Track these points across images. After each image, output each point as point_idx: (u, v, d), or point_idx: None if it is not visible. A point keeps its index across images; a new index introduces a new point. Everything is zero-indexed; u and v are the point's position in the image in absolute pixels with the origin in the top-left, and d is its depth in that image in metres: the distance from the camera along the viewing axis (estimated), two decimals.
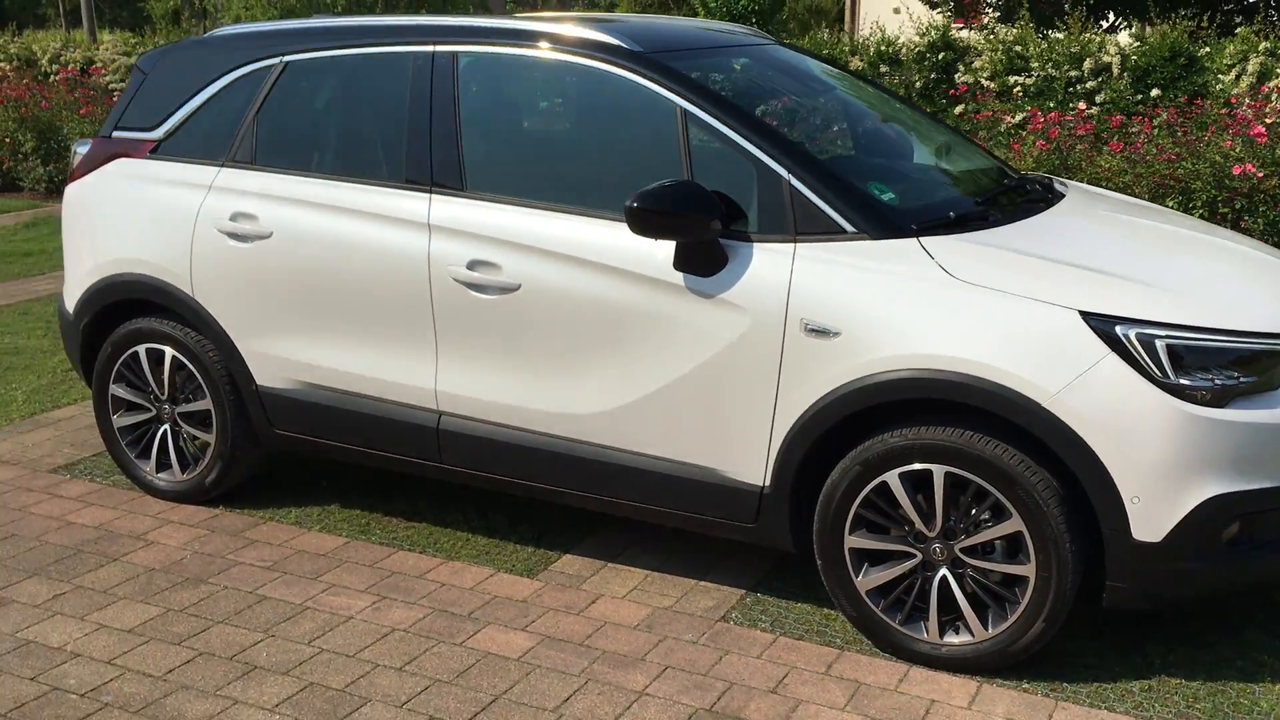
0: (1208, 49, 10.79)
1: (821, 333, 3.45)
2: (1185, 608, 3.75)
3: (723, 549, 4.25)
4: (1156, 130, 8.83)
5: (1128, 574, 3.28)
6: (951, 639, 3.50)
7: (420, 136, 4.07)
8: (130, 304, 4.66)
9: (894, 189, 3.83)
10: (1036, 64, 10.78)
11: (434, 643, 3.68)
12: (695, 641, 3.70)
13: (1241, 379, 3.22)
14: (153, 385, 4.65)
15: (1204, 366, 3.21)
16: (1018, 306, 3.29)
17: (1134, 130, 9.09)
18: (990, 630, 3.44)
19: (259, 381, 4.40)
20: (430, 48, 4.12)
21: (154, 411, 4.70)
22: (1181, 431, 3.16)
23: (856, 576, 3.58)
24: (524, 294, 3.85)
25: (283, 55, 4.38)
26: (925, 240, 3.46)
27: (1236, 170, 7.85)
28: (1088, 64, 10.70)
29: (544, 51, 4.01)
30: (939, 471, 3.39)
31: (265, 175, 4.33)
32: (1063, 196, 4.15)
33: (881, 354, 3.38)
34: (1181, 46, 10.77)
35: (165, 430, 4.69)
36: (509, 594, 4.00)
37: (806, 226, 3.54)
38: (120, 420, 4.77)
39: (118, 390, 4.73)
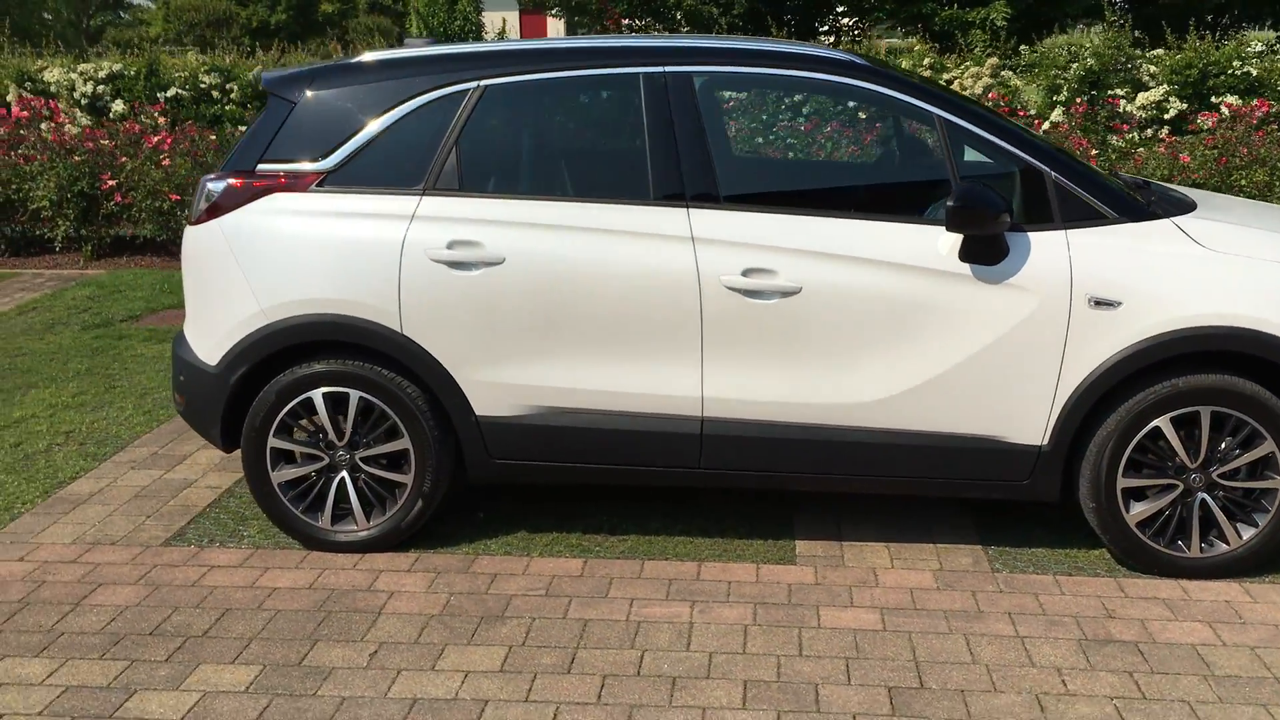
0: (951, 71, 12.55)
1: (1107, 304, 4.03)
2: None
3: (926, 512, 4.71)
4: None
5: None
6: (1210, 551, 4.20)
7: (666, 154, 4.19)
8: (297, 349, 4.35)
9: None
10: None
11: (796, 629, 3.87)
12: (1001, 591, 4.15)
13: None
14: (329, 431, 4.37)
15: None
16: (1269, 269, 4.04)
17: None
18: (1243, 538, 4.17)
19: (479, 412, 4.30)
20: (660, 68, 4.25)
21: (327, 460, 4.42)
22: None
23: (1126, 513, 4.18)
24: (806, 295, 4.11)
25: (478, 79, 4.30)
26: (1177, 220, 4.14)
27: None
28: None
29: (781, 69, 4.27)
30: (1205, 411, 4.07)
31: (482, 201, 4.24)
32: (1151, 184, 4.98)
33: (1163, 317, 4.01)
34: (937, 63, 12.46)
35: (342, 478, 4.42)
36: (794, 580, 4.23)
37: (1072, 215, 4.10)
38: (280, 475, 4.42)
39: (279, 443, 4.39)
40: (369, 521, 4.44)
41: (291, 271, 4.28)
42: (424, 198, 4.25)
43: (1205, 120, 11.92)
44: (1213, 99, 12.54)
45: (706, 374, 4.21)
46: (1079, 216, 4.11)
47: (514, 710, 3.42)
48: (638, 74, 4.27)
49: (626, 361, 4.22)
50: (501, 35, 15.06)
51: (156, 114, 11.93)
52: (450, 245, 4.21)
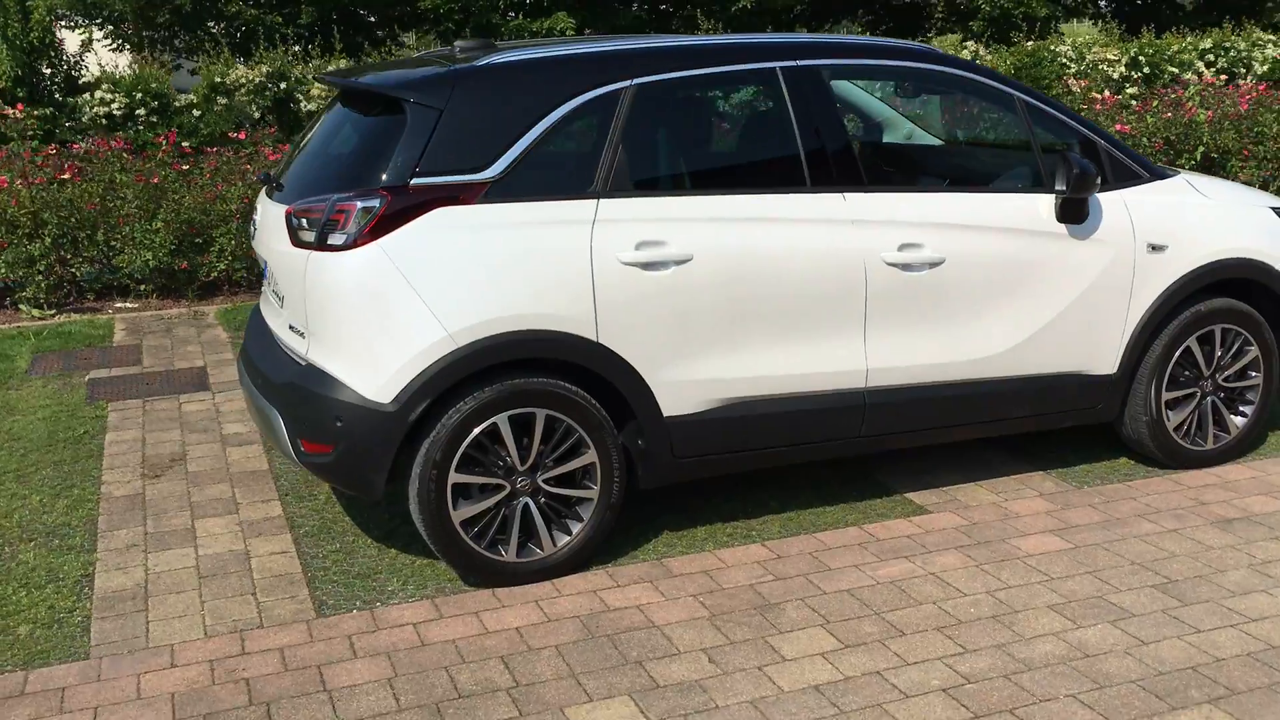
0: None
1: (1159, 248, 4.86)
2: None
3: (966, 452, 5.33)
4: None
5: None
6: (1218, 443, 5.19)
7: (815, 142, 4.41)
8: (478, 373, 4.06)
9: None
10: None
11: (1017, 560, 4.32)
12: (1109, 500, 4.87)
13: None
14: (513, 457, 4.13)
15: None
16: (1253, 211, 5.09)
17: None
18: (1240, 427, 5.22)
19: (667, 413, 4.28)
20: (793, 61, 4.45)
21: (509, 488, 4.16)
22: None
23: (1169, 423, 5.07)
24: (949, 265, 4.54)
25: (630, 78, 4.23)
26: (1186, 177, 5.06)
27: None
28: None
29: (890, 60, 4.66)
30: (1218, 329, 5.05)
31: (658, 199, 4.21)
32: None
33: (1196, 255, 4.92)
34: None
35: (525, 504, 4.19)
36: (952, 524, 4.66)
37: (1121, 177, 4.89)
38: (461, 514, 4.10)
39: (461, 477, 4.08)
40: (555, 545, 4.24)
41: (480, 290, 3.98)
42: (601, 201, 4.14)
43: None
44: None
45: (869, 346, 4.50)
46: (1125, 178, 4.90)
47: (912, 674, 3.58)
48: (775, 68, 4.44)
49: (802, 344, 4.40)
50: (87, 48, 13.41)
51: None
52: (639, 246, 4.14)
